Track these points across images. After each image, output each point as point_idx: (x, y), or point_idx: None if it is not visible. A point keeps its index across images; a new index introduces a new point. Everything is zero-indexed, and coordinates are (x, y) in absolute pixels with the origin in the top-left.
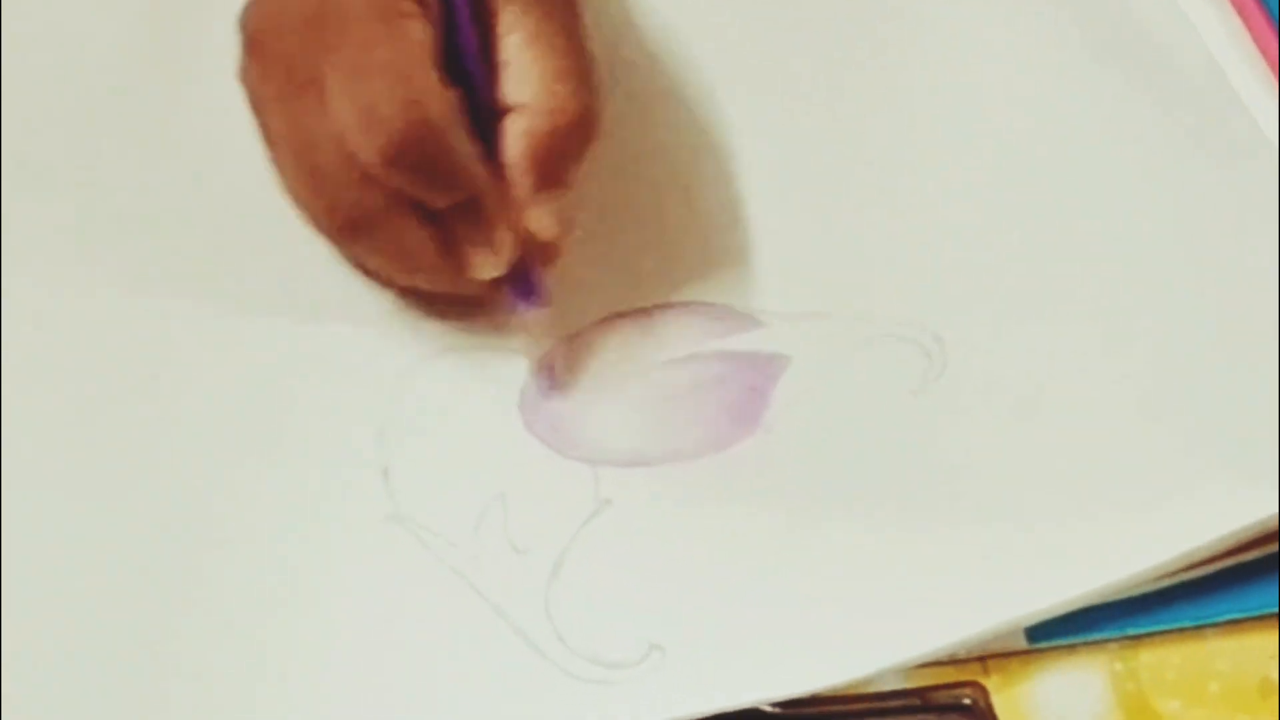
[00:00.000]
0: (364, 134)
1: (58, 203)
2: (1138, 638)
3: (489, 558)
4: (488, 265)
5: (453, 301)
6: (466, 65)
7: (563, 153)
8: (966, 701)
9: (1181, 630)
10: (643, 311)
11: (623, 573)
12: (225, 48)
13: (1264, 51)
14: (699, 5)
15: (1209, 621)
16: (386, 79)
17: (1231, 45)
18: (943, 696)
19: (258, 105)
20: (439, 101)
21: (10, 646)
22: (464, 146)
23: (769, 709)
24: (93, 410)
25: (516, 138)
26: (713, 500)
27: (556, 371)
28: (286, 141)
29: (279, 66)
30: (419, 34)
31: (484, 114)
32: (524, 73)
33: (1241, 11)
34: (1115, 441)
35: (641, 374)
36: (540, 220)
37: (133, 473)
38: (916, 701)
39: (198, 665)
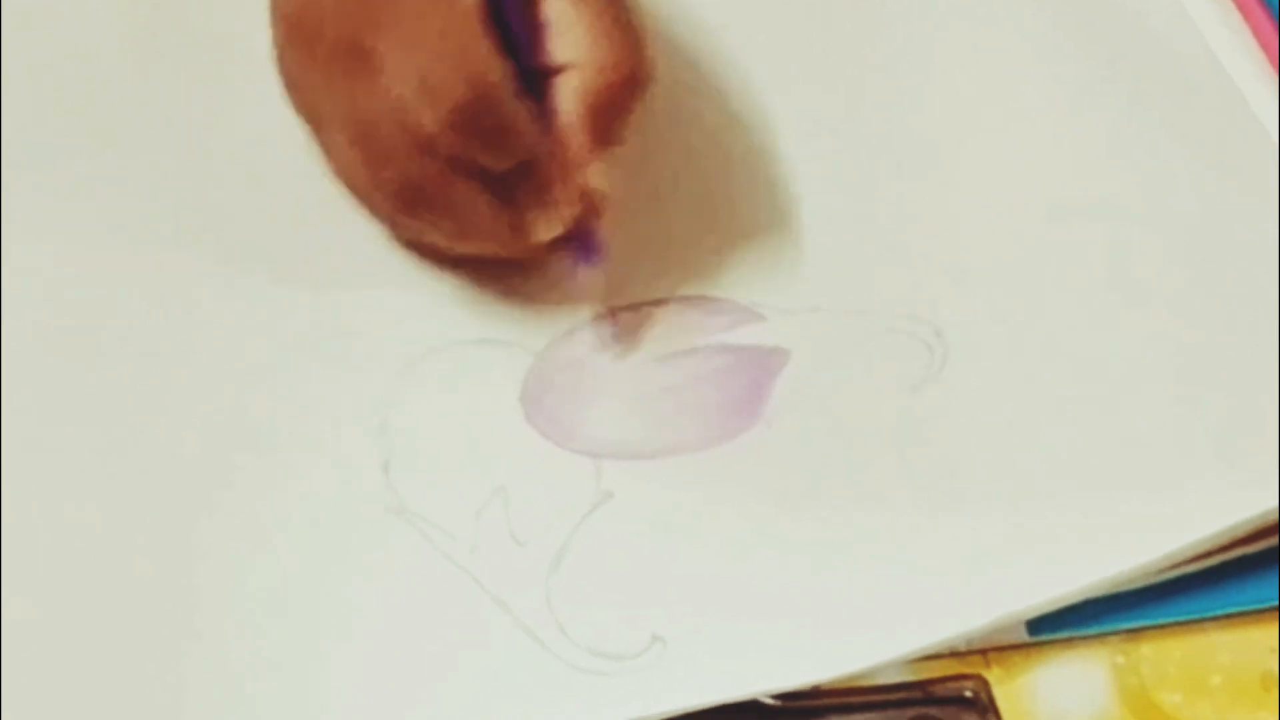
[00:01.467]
0: (424, 103)
1: (60, 182)
2: (1139, 631)
3: (490, 550)
4: (549, 225)
5: (510, 268)
6: (510, 27)
7: (616, 109)
8: (968, 694)
9: (1183, 624)
10: (644, 305)
11: (624, 564)
12: (231, 26)
13: (1265, 47)
14: (700, 4)
15: (1210, 615)
16: (442, 47)
17: (1232, 41)
18: (945, 689)
19: (299, 86)
20: (495, 66)
21: (10, 644)
22: (520, 109)
23: (770, 701)
24: (91, 400)
25: (570, 96)
26: (714, 493)
27: (621, 325)
28: (338, 120)
29: (324, 45)
30: (467, 1)
31: (529, 75)
32: (570, 31)
33: (1242, 7)
34: (1115, 436)
35: (643, 367)
36: (599, 177)
37: (131, 462)
38: (918, 694)
39: (198, 657)
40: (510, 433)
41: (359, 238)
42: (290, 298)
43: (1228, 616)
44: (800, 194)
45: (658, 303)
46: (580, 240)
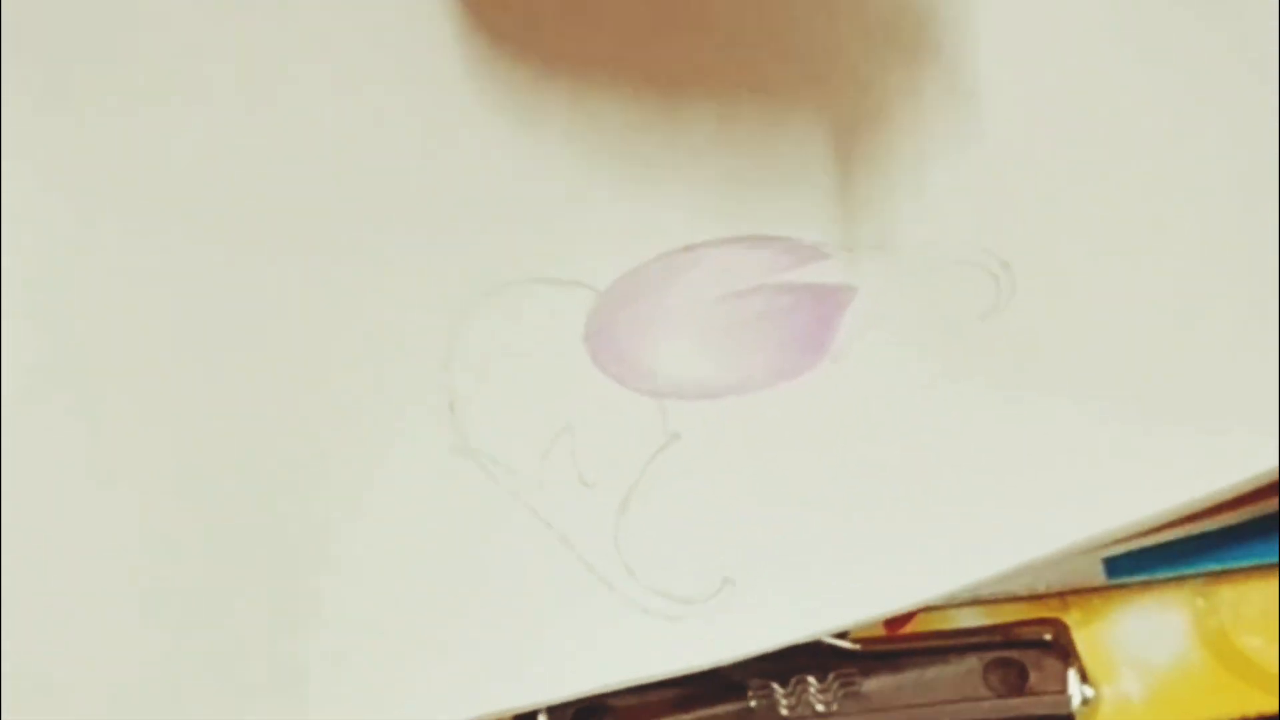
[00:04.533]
0: None
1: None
2: (1219, 574)
3: (557, 489)
4: None
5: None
6: None
7: None
8: (1047, 637)
9: (1263, 566)
10: (708, 245)
11: (692, 506)
12: None
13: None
14: None
15: None
16: None
17: None
18: (1024, 632)
19: None
20: None
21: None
22: None
23: (849, 646)
24: (147, 355)
25: None
26: (781, 431)
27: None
28: None
29: None
30: None
31: None
32: None
33: None
34: (1196, 360)
35: (708, 307)
36: None
37: (196, 407)
38: (998, 638)
39: (260, 597)
40: (575, 372)
41: (417, 178)
42: (351, 241)
43: None
44: (860, 129)
45: (720, 243)
46: None
